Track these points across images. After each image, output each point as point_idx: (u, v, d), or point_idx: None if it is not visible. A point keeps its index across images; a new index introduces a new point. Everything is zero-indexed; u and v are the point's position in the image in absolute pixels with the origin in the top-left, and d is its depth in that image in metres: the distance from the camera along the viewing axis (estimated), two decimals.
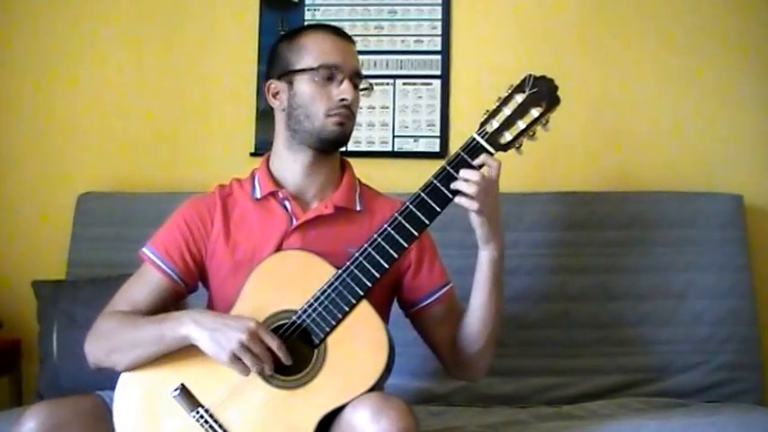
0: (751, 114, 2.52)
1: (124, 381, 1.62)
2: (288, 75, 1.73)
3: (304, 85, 1.71)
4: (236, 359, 1.51)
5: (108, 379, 1.64)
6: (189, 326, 1.54)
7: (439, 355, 1.80)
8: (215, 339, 1.51)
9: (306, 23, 2.59)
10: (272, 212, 1.75)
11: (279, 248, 1.70)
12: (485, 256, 1.64)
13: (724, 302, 2.30)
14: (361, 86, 1.76)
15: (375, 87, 2.55)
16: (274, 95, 1.76)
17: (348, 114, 1.71)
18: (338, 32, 1.76)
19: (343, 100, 1.69)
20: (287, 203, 1.74)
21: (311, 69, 1.70)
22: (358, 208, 1.78)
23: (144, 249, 1.75)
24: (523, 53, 2.57)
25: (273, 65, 1.77)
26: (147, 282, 1.73)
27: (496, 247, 1.63)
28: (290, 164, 1.76)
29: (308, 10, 2.64)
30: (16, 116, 2.74)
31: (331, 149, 1.75)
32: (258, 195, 1.77)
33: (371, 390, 1.52)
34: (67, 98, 2.73)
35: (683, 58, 2.53)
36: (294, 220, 1.73)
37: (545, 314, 2.32)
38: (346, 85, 1.69)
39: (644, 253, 2.34)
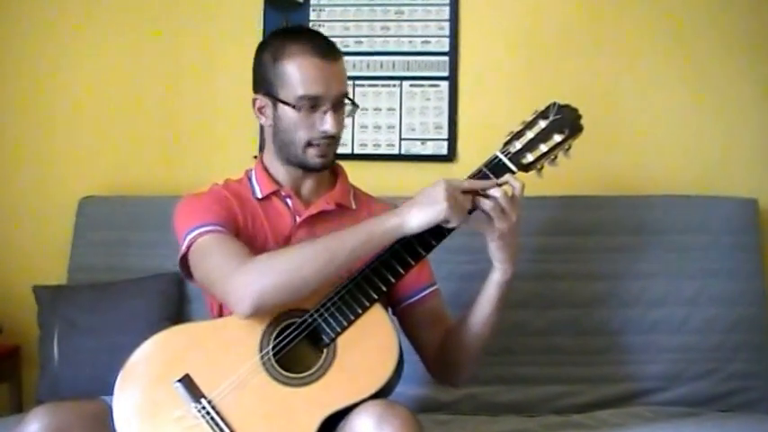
0: (766, 116, 2.49)
1: (126, 369, 1.59)
2: (272, 96, 1.71)
3: (288, 112, 1.69)
4: (453, 202, 1.51)
5: (110, 385, 1.61)
6: (394, 218, 1.54)
7: (423, 356, 1.82)
8: (426, 203, 1.52)
9: (309, 24, 2.57)
10: (276, 210, 1.77)
11: (287, 244, 1.71)
12: (495, 277, 1.65)
13: (736, 309, 2.27)
14: (347, 106, 1.75)
15: (382, 89, 2.58)
16: (260, 110, 1.76)
17: (330, 143, 1.71)
18: (323, 53, 1.68)
19: (324, 132, 1.69)
20: (289, 201, 1.78)
21: (293, 104, 1.67)
22: (354, 207, 1.83)
23: (192, 233, 1.64)
24: (532, 55, 2.55)
25: (257, 78, 1.75)
26: (222, 243, 1.62)
27: (509, 269, 1.64)
28: (283, 171, 1.78)
29: (314, 10, 2.61)
30: (16, 120, 2.73)
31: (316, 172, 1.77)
32: (260, 195, 1.78)
33: (379, 395, 1.52)
34: (68, 102, 2.71)
35: (698, 59, 2.51)
36: (297, 217, 1.76)
37: (553, 321, 2.29)
38: (329, 117, 1.68)
39: (654, 259, 2.31)
